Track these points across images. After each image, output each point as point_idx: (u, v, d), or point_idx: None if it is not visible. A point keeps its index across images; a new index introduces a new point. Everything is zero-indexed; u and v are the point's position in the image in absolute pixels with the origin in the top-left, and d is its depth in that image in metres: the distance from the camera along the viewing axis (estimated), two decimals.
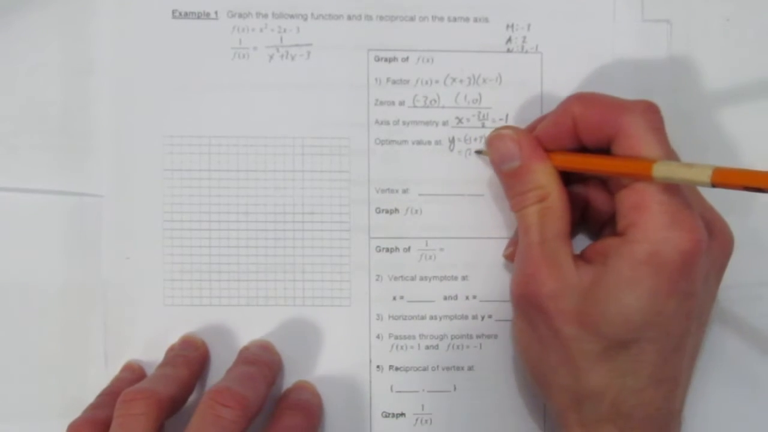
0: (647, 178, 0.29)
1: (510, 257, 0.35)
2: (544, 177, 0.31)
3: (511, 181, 0.32)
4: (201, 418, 0.29)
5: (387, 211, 0.35)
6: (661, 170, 0.28)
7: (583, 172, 0.32)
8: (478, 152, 0.35)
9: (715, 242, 0.30)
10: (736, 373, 0.36)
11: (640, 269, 0.28)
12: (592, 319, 0.29)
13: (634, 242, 0.29)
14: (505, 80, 0.35)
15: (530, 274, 0.31)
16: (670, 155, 0.30)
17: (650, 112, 0.30)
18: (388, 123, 0.35)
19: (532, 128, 0.33)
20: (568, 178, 0.32)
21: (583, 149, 0.32)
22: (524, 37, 0.35)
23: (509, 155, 0.32)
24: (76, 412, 0.32)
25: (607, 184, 0.32)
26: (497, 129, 0.33)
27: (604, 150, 0.31)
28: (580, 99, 0.31)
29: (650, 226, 0.29)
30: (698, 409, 0.35)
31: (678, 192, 0.29)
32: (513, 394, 0.35)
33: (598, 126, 0.30)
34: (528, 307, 0.31)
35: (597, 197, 0.33)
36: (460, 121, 0.35)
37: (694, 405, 0.35)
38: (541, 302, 0.30)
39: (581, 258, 0.31)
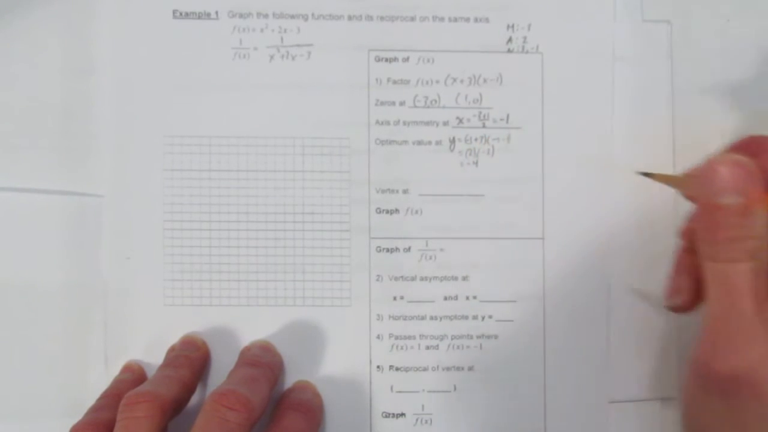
0: None
1: (675, 310, 0.30)
2: (764, 226, 0.26)
3: (720, 220, 0.26)
4: (206, 421, 0.29)
5: (387, 212, 0.35)
6: None
7: None
8: (646, 174, 0.30)
9: None
10: None
11: None
12: None
13: None
14: (505, 80, 0.35)
15: (744, 348, 0.25)
16: None
17: None
18: (388, 123, 0.35)
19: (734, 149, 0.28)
20: None
21: None
22: (525, 38, 0.35)
23: (735, 186, 0.26)
24: (76, 412, 0.32)
25: None
26: (725, 154, 0.27)
27: None
28: None
29: None
30: None
31: None
32: (513, 394, 0.35)
33: None
34: (733, 383, 0.26)
35: None
36: (460, 121, 0.35)
37: None
38: (759, 380, 0.25)
39: None
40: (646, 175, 0.29)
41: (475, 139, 0.35)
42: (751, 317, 0.25)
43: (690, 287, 0.29)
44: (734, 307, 0.25)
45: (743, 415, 0.26)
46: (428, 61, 0.35)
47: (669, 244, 0.35)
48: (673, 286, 0.29)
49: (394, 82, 0.35)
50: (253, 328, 0.35)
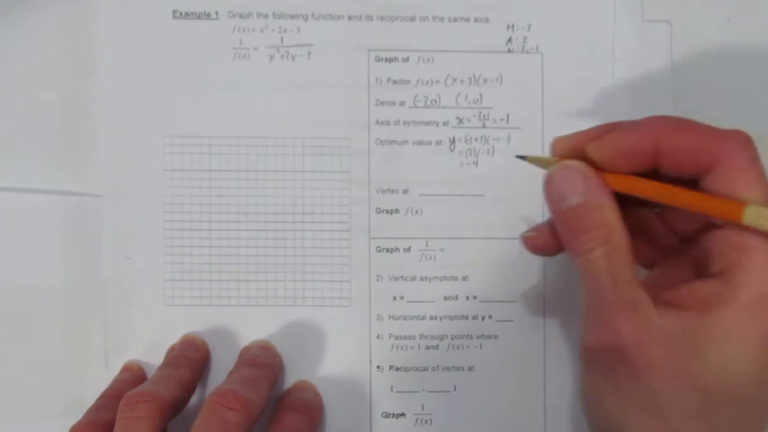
0: (736, 221, 0.26)
1: (529, 242, 0.30)
2: (610, 213, 0.27)
3: (571, 220, 0.28)
4: (206, 422, 0.29)
5: (387, 212, 0.35)
6: (752, 215, 0.25)
7: (650, 202, 0.28)
8: (521, 157, 0.30)
9: None
10: None
11: (747, 315, 0.25)
12: (688, 372, 0.26)
13: (738, 285, 0.26)
14: (505, 80, 0.35)
15: (608, 323, 0.27)
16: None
17: (749, 142, 0.27)
18: (388, 123, 0.35)
19: (591, 136, 0.28)
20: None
21: (643, 174, 0.28)
22: (525, 37, 0.35)
23: (573, 189, 0.28)
24: (76, 412, 0.32)
25: (664, 215, 0.29)
26: (561, 162, 0.28)
27: (674, 179, 0.27)
28: (670, 122, 0.27)
29: (757, 267, 0.25)
30: None
31: None
32: (513, 394, 0.35)
33: (691, 154, 0.27)
34: (605, 358, 0.27)
35: (652, 229, 0.30)
36: (460, 121, 0.35)
37: None
38: (625, 352, 0.26)
39: (664, 303, 0.27)
40: (521, 157, 0.30)
41: (475, 139, 0.35)
42: (612, 296, 0.27)
43: (551, 232, 0.29)
44: (597, 290, 0.27)
45: (617, 383, 0.27)
46: (428, 61, 0.35)
47: None
48: (538, 226, 0.30)
49: (394, 82, 0.35)
50: (253, 328, 0.35)
